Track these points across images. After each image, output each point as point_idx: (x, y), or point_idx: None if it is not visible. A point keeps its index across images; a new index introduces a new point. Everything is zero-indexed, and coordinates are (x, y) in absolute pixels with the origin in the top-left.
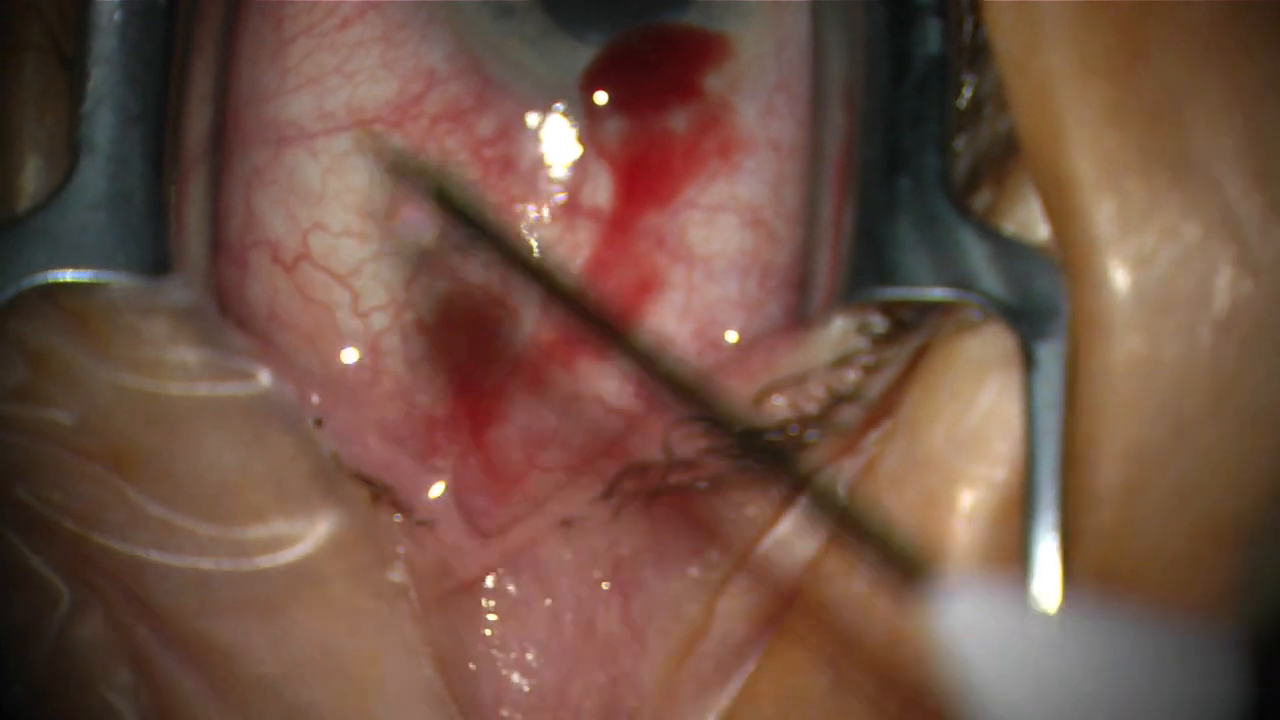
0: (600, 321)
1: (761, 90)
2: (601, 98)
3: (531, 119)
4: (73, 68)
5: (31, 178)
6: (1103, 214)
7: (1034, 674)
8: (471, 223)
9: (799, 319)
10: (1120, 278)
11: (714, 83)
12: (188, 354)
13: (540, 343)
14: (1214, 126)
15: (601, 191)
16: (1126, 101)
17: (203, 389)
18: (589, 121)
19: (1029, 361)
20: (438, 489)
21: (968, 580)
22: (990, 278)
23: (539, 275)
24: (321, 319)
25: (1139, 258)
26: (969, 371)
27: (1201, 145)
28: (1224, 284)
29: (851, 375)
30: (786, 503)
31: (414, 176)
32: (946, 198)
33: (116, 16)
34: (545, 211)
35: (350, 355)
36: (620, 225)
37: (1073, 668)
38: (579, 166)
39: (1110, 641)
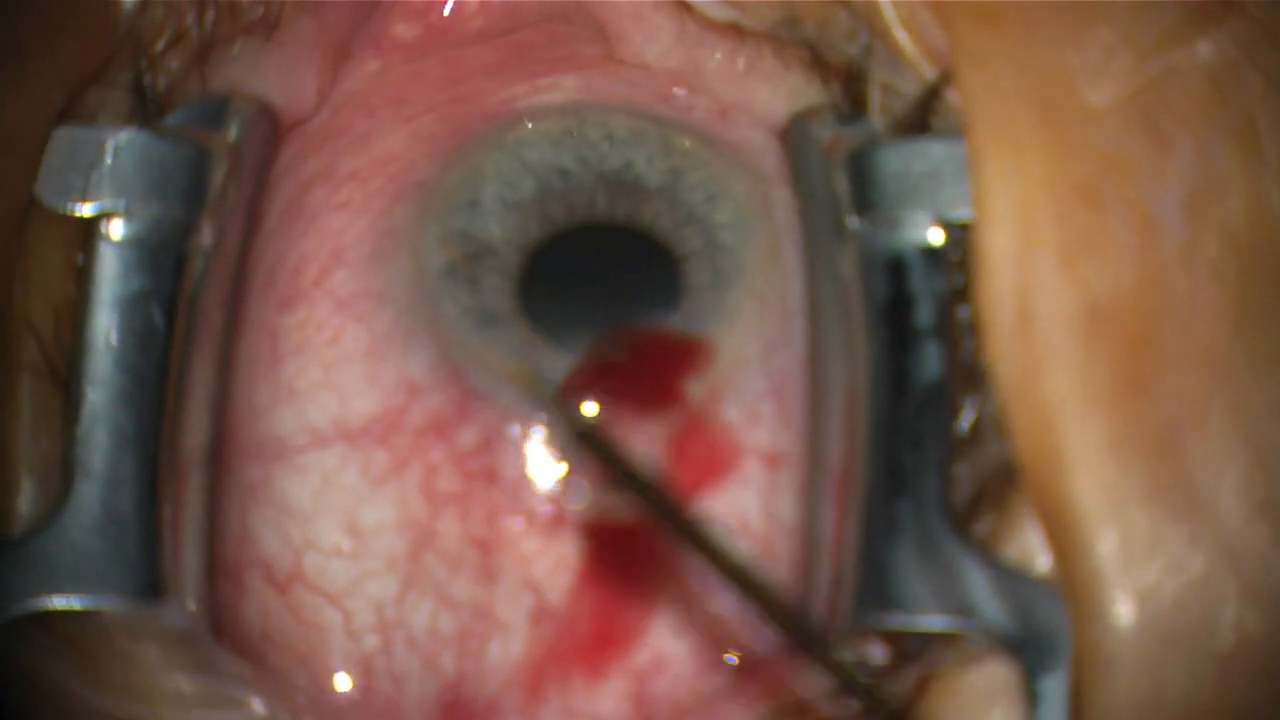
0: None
1: (746, 397)
2: (582, 407)
3: (513, 430)
4: (68, 389)
5: (26, 500)
6: (1105, 547)
7: None
8: (650, 505)
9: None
10: (1124, 612)
11: (694, 389)
12: (181, 681)
13: (533, 658)
14: (1217, 456)
15: (586, 501)
16: (1128, 432)
17: (196, 717)
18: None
19: (1031, 695)
20: None
21: None
22: (992, 607)
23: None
24: (314, 640)
25: (1143, 592)
26: (972, 705)
27: (1204, 475)
28: (1229, 619)
29: (853, 705)
30: None
31: (597, 452)
32: (947, 524)
33: (113, 338)
34: (531, 523)
35: (342, 677)
36: (608, 538)
37: None
38: (563, 477)
39: None
